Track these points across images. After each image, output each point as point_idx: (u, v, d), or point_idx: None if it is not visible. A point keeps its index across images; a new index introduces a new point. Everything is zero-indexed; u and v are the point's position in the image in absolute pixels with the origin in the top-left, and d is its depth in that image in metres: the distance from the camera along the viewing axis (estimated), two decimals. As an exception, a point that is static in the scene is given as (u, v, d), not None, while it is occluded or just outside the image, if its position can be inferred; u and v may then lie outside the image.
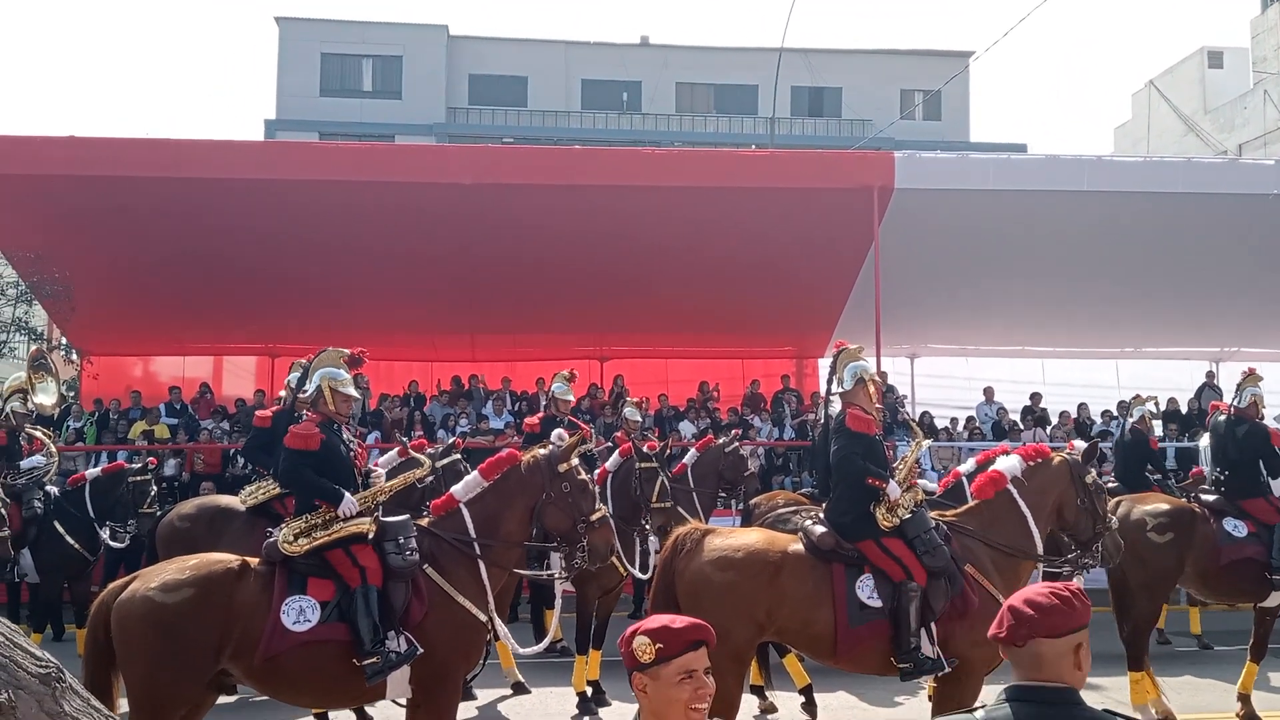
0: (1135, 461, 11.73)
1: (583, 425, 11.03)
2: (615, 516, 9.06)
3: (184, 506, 9.15)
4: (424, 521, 6.04)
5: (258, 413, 10.17)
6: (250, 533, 8.13)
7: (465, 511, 5.92)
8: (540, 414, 11.12)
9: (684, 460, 11.18)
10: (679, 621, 2.59)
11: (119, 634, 5.34)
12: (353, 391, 6.22)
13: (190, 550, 6.44)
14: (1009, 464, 6.66)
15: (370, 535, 5.80)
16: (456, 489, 6.09)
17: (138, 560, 9.97)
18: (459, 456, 10.23)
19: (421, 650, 5.55)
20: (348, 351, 6.29)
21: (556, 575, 6.62)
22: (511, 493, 5.98)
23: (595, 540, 5.99)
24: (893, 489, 6.38)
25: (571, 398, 11.28)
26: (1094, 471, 6.71)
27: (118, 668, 5.38)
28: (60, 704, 2.14)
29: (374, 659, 5.46)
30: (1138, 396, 12.26)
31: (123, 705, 5.49)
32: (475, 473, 6.09)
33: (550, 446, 6.17)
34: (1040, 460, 6.67)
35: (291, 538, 5.68)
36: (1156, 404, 16.55)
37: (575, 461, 6.08)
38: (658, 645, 2.53)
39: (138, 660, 5.31)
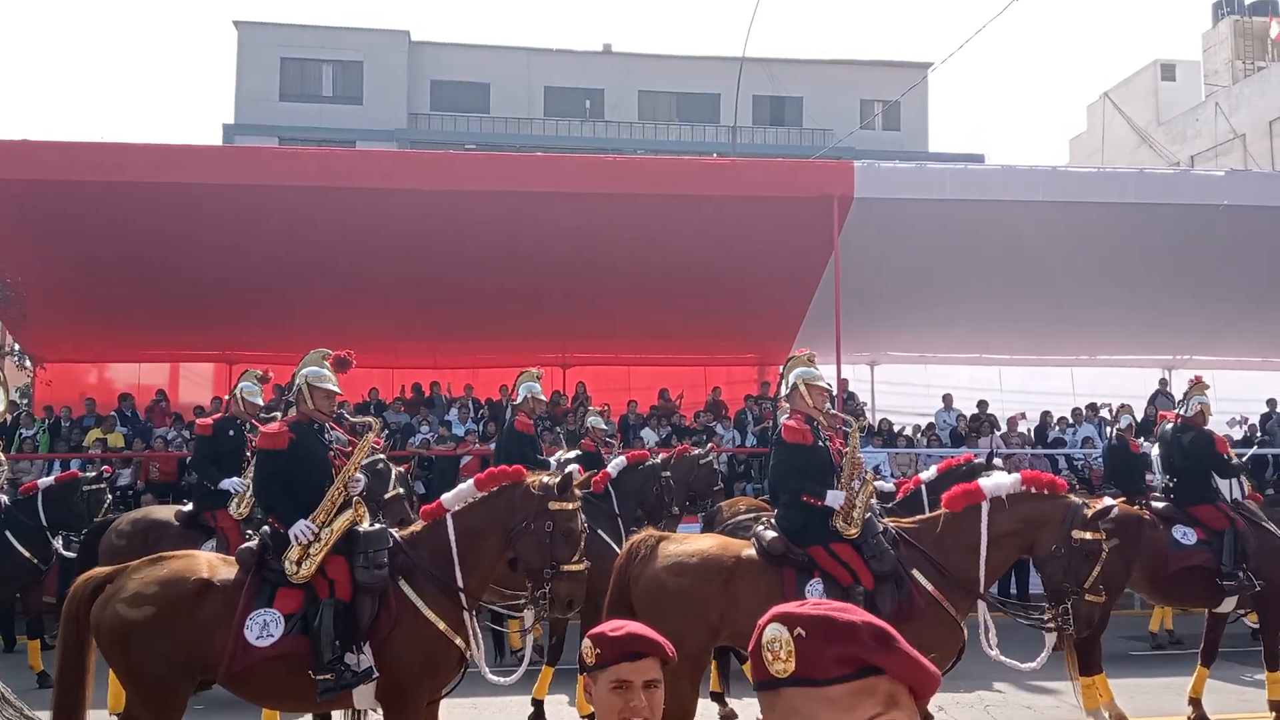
0: (1123, 467, 11.86)
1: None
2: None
3: (121, 523, 9.02)
4: (406, 532, 5.94)
5: (198, 420, 10.09)
6: (181, 543, 8.09)
7: (450, 522, 5.75)
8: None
9: None
10: (619, 630, 2.56)
11: (98, 638, 5.48)
12: (332, 386, 6.05)
13: None
14: (999, 482, 6.36)
15: (358, 523, 5.75)
16: (446, 497, 5.90)
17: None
18: (381, 456, 9.96)
19: (378, 674, 5.49)
20: (329, 352, 6.18)
21: (520, 615, 6.08)
22: (499, 512, 5.74)
23: (559, 588, 5.63)
24: (832, 499, 6.40)
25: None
26: (1102, 534, 6.13)
27: (89, 656, 5.56)
28: (-8, 715, 2.11)
29: (327, 676, 5.40)
30: (1125, 406, 12.45)
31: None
32: (470, 482, 5.89)
33: (557, 479, 5.78)
34: (1043, 493, 6.24)
35: (295, 567, 5.59)
36: (1132, 412, 16.81)
37: (571, 506, 5.69)
38: (597, 650, 2.52)
39: (121, 667, 5.48)
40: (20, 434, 15.49)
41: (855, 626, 1.45)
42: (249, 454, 8.96)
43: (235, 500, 8.72)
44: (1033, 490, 6.23)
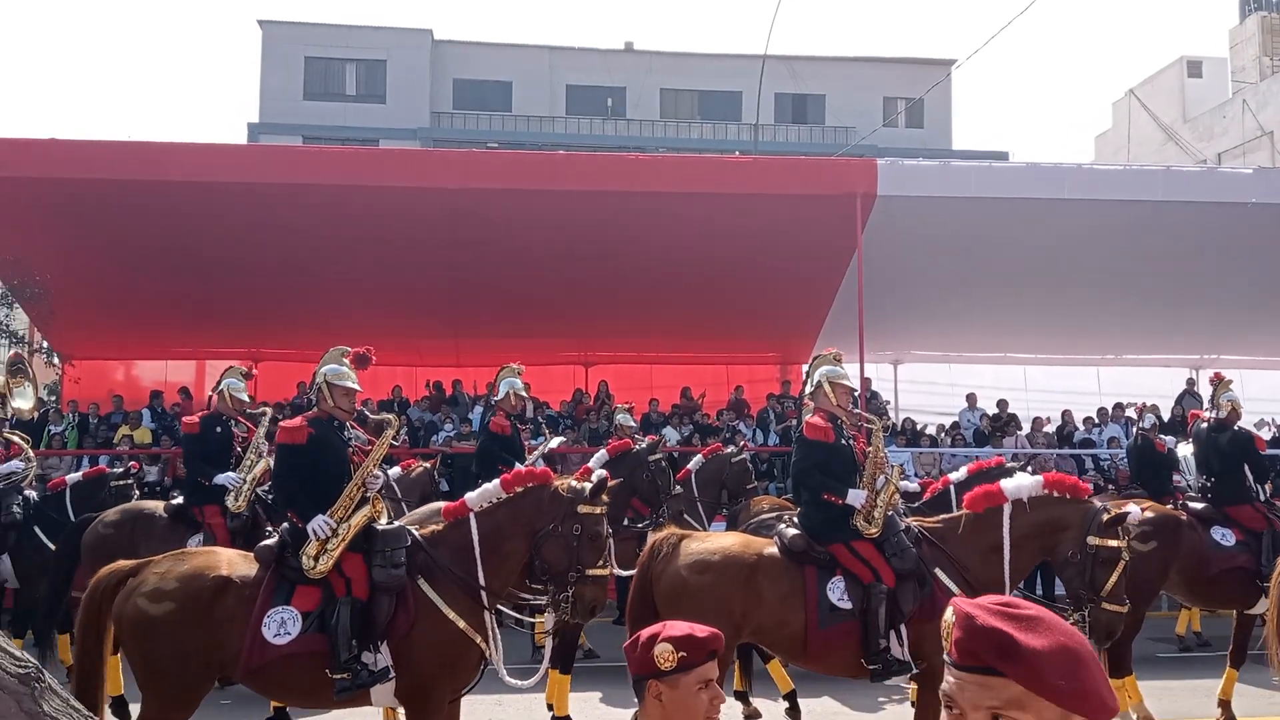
0: (1149, 467, 11.78)
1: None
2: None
3: (109, 514, 9.10)
4: (427, 530, 5.91)
5: (185, 419, 10.14)
6: (169, 536, 8.31)
7: (473, 522, 5.72)
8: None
9: (688, 466, 11.09)
10: (701, 630, 2.58)
11: (118, 631, 5.50)
12: (352, 384, 6.03)
13: (112, 558, 6.25)
14: (1020, 484, 6.24)
15: (376, 520, 5.76)
16: (471, 497, 5.85)
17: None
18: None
19: (394, 674, 5.48)
20: (349, 350, 6.16)
21: (542, 619, 6.07)
22: (525, 513, 5.70)
23: (583, 591, 5.59)
24: (853, 498, 6.40)
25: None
26: (1123, 542, 5.97)
27: (107, 645, 5.57)
28: (39, 704, 2.14)
29: (344, 675, 5.40)
30: (1147, 405, 12.41)
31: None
32: (496, 482, 5.84)
33: (584, 484, 5.77)
34: (1065, 496, 6.11)
35: (313, 563, 5.59)
36: (1158, 411, 16.71)
37: (599, 510, 5.69)
38: (680, 654, 2.50)
39: (139, 661, 5.48)
40: (49, 430, 15.63)
41: (982, 631, 1.57)
42: (238, 448, 9.06)
43: (232, 494, 8.80)
44: (1054, 494, 6.12)
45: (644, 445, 9.58)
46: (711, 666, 2.54)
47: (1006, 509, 6.14)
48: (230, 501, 8.75)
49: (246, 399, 9.43)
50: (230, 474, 8.87)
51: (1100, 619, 5.94)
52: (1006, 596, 1.72)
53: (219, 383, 9.47)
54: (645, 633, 2.60)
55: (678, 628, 2.58)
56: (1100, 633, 5.98)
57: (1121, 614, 6.03)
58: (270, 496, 8.82)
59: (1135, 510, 6.25)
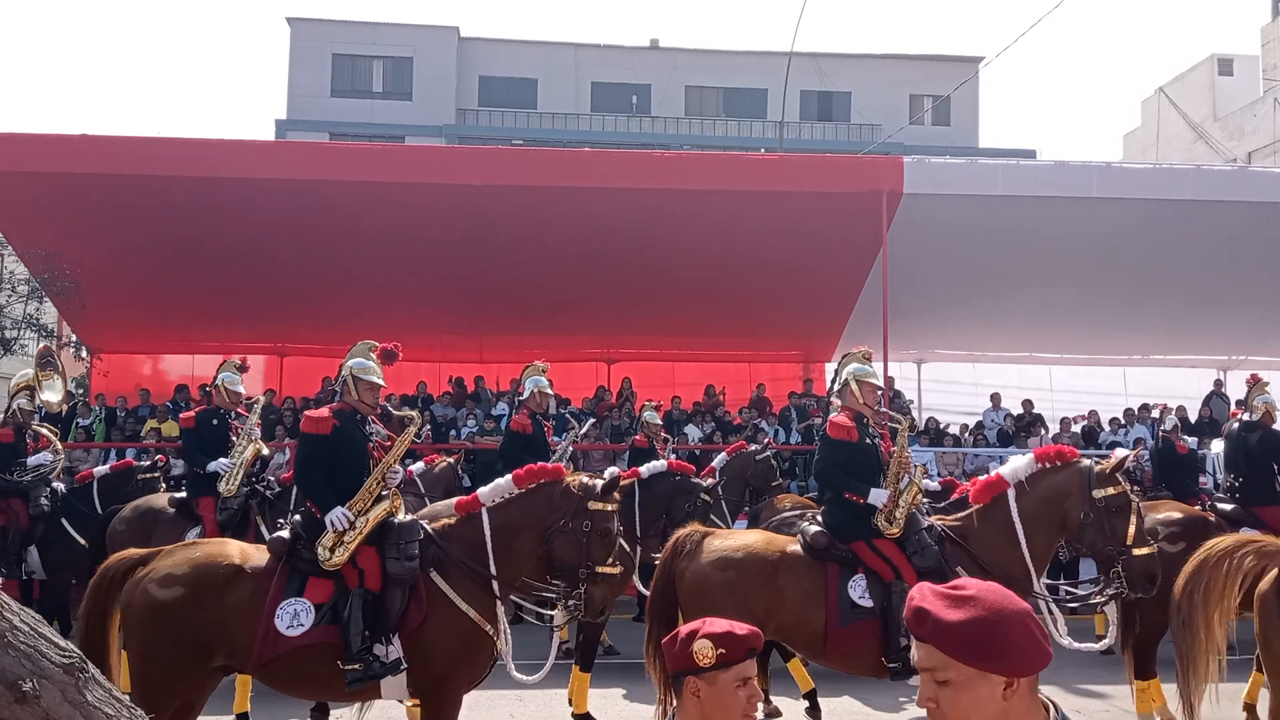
0: (1170, 469, 11.72)
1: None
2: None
3: (125, 509, 9.33)
4: (439, 524, 5.91)
5: (182, 415, 10.35)
6: (173, 529, 8.64)
7: (485, 517, 5.74)
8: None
9: (713, 463, 11.10)
10: (741, 628, 2.60)
11: (124, 617, 5.46)
12: (376, 379, 6.05)
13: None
14: (1015, 466, 6.32)
15: (394, 515, 5.78)
16: (483, 491, 5.87)
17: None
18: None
19: (405, 666, 5.48)
20: (376, 344, 6.17)
21: (553, 615, 6.02)
22: (536, 508, 5.70)
23: (593, 590, 5.59)
24: (875, 497, 6.39)
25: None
26: (1125, 486, 6.07)
27: (113, 633, 5.51)
28: (83, 693, 2.18)
29: (355, 666, 5.41)
30: (1167, 407, 12.33)
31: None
32: (508, 477, 5.85)
33: (596, 480, 5.76)
34: (1055, 464, 6.19)
35: (328, 554, 5.61)
36: (1185, 413, 16.58)
37: (610, 507, 5.67)
38: (720, 650, 2.52)
39: (137, 646, 5.41)
40: (77, 423, 15.78)
41: (912, 608, 1.92)
42: (233, 439, 9.23)
43: (224, 479, 8.94)
44: (1046, 465, 6.21)
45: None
46: (750, 664, 2.55)
47: (1010, 493, 6.21)
48: (221, 486, 8.88)
49: (242, 392, 9.60)
50: (222, 460, 9.05)
51: (1134, 566, 5.97)
52: (962, 580, 1.99)
53: (215, 377, 9.66)
54: (684, 629, 2.61)
55: (717, 624, 2.59)
56: (1140, 580, 5.99)
57: (1154, 555, 6.06)
58: (267, 489, 8.98)
59: (1126, 453, 6.38)
